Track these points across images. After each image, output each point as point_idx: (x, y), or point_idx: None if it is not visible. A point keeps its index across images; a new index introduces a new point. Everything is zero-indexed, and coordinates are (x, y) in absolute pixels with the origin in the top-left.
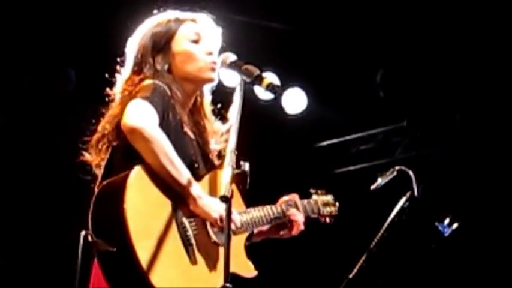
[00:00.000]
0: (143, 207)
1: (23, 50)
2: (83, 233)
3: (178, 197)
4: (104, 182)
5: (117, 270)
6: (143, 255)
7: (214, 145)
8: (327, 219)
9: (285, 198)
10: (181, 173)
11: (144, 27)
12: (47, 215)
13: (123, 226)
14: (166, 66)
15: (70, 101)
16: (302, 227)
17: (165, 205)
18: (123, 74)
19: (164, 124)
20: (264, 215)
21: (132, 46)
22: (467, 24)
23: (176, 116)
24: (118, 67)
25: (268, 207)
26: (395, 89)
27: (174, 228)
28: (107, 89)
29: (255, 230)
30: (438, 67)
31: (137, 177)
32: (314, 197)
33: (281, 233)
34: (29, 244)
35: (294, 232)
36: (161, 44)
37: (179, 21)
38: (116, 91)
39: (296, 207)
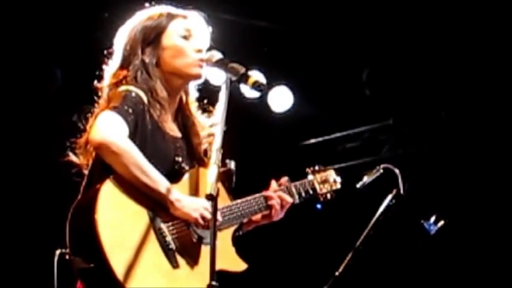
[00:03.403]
0: (116, 218)
1: (8, 49)
2: (57, 252)
3: (156, 204)
4: (78, 197)
5: (98, 286)
6: (119, 268)
7: (204, 140)
8: (328, 196)
9: (275, 183)
10: (155, 180)
11: (135, 20)
12: (31, 221)
13: (96, 240)
14: (154, 60)
15: (56, 100)
16: (278, 209)
17: (140, 214)
18: (111, 67)
19: (138, 130)
20: (250, 206)
21: (122, 37)
22: (452, 22)
23: (153, 119)
24: (106, 59)
25: (252, 197)
26: (381, 87)
27: (151, 235)
28: (95, 83)
29: (244, 220)
30: (424, 65)
31: (108, 189)
32: (310, 176)
33: (262, 219)
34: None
35: (273, 215)
36: (151, 37)
37: (171, 17)
38: (104, 84)
39: (288, 191)
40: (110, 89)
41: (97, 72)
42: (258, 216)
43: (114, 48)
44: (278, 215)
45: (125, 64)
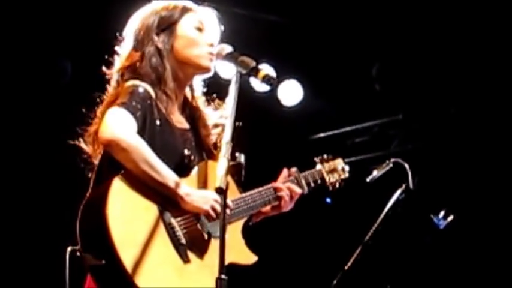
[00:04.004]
0: (127, 214)
1: (18, 42)
2: (69, 249)
3: (166, 199)
4: (88, 194)
5: (108, 281)
6: (129, 263)
7: (212, 131)
8: (336, 185)
9: (285, 174)
10: (165, 176)
11: (149, 8)
12: (42, 214)
13: (107, 236)
14: (167, 46)
15: (66, 92)
16: (287, 200)
17: (150, 209)
18: (122, 52)
19: (147, 126)
20: (260, 198)
21: (135, 24)
22: (463, 17)
23: (161, 113)
24: (116, 46)
25: (261, 189)
26: (391, 82)
27: (161, 230)
28: (104, 68)
29: (254, 212)
30: (434, 60)
31: (119, 185)
32: (318, 166)
33: (272, 210)
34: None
35: (283, 206)
36: (165, 25)
37: (185, 9)
38: (114, 70)
39: (297, 181)
40: (121, 73)
41: (106, 57)
42: (267, 208)
43: (126, 34)
44: (287, 206)
45: (138, 47)
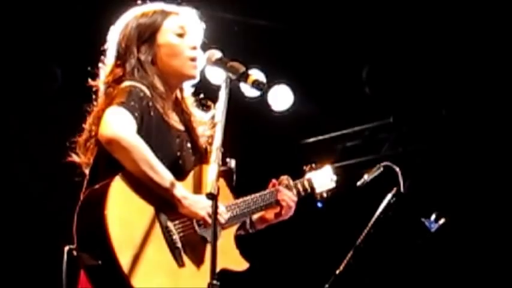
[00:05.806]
0: (125, 215)
1: (7, 48)
2: (66, 248)
3: (163, 201)
4: (86, 192)
5: (103, 281)
6: (126, 265)
7: (203, 132)
8: (324, 195)
9: (275, 181)
10: (163, 177)
11: (128, 17)
12: (31, 219)
13: (105, 236)
14: (150, 57)
15: (56, 99)
16: (291, 206)
17: (148, 211)
18: (106, 64)
19: (144, 125)
20: (254, 203)
21: (116, 35)
22: (452, 20)
23: (157, 113)
24: (102, 57)
25: (257, 194)
26: (381, 86)
27: (158, 233)
28: (90, 81)
29: (254, 218)
30: (424, 63)
31: (118, 185)
32: (307, 175)
33: (275, 217)
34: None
35: (284, 213)
36: (146, 35)
37: (165, 14)
38: (100, 82)
39: (288, 189)
40: (107, 86)
41: (89, 69)
42: (270, 215)
43: (108, 46)
44: (288, 213)
45: (120, 62)
